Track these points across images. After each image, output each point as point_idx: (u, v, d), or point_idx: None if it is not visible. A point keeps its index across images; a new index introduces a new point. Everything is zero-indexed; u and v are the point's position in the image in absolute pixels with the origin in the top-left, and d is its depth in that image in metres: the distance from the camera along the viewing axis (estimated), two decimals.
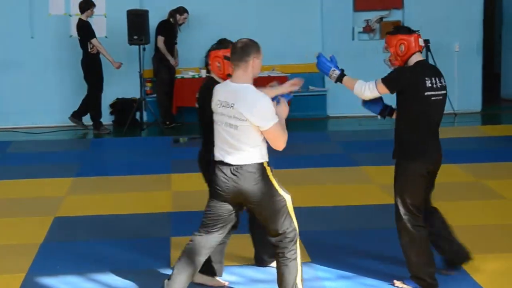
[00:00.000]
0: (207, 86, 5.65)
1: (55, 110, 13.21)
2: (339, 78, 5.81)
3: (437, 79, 5.57)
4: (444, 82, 5.64)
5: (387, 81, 5.59)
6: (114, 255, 6.59)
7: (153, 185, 9.03)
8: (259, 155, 5.15)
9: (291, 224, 5.26)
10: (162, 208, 8.02)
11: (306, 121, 13.12)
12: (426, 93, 5.50)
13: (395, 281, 5.82)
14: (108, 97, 12.98)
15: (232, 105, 5.08)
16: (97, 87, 12.50)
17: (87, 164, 10.35)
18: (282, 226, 5.23)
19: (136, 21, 12.31)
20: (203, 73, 12.79)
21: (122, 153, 11.28)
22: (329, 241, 6.85)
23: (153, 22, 12.67)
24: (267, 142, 5.18)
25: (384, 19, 13.70)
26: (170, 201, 8.26)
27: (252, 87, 5.12)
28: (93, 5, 12.40)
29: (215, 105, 5.23)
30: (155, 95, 13.23)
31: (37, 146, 11.73)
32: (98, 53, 12.38)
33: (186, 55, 13.25)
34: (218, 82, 5.58)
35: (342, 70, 5.83)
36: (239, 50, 5.13)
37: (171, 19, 12.81)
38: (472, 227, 7.14)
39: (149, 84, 13.33)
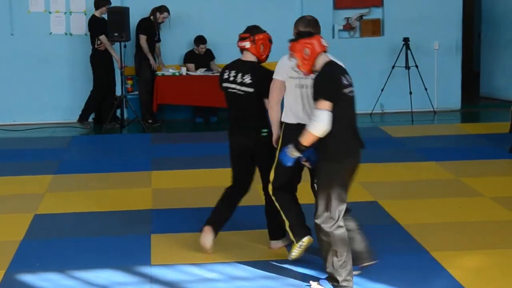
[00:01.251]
0: (261, 67, 6.48)
1: (34, 107, 13.16)
2: (298, 147, 5.48)
3: (346, 76, 5.51)
4: (351, 79, 5.56)
5: (326, 94, 5.35)
6: (94, 252, 6.58)
7: (134, 182, 9.02)
8: None
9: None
10: (142, 205, 8.00)
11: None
12: (343, 90, 5.43)
13: (311, 282, 5.70)
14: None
15: None
16: (100, 84, 12.56)
17: (67, 161, 10.32)
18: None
19: (117, 18, 12.26)
20: (183, 71, 12.78)
21: (102, 150, 11.26)
22: None
23: (134, 19, 12.64)
24: None
25: (364, 17, 13.76)
26: (150, 199, 8.26)
27: None
28: (109, 2, 12.46)
29: (292, 72, 5.98)
30: (136, 92, 13.21)
31: (17, 144, 11.67)
32: (106, 50, 12.45)
33: (166, 52, 13.24)
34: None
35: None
36: (316, 21, 6.33)
37: (151, 17, 12.79)
38: (450, 224, 7.20)
39: (130, 82, 13.31)
